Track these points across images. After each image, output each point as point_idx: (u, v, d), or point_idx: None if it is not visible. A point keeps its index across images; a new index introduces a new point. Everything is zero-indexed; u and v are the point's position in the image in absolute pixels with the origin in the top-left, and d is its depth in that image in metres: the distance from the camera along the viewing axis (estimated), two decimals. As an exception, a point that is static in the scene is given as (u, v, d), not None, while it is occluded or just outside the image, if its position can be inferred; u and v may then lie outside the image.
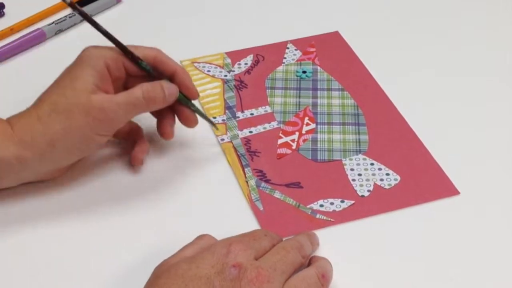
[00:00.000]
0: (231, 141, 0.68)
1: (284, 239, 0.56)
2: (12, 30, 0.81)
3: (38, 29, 0.80)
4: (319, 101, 0.73)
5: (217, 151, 0.67)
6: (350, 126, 0.70)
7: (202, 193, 0.64)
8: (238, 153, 0.67)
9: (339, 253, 0.58)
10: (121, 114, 0.59)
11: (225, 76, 0.76)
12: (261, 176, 0.65)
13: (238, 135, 0.69)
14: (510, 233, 0.61)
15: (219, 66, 0.78)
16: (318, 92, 0.74)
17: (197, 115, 0.65)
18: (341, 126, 0.70)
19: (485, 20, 0.86)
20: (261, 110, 0.72)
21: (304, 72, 0.77)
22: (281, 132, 0.70)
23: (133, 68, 0.61)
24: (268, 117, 0.71)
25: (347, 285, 0.56)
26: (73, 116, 0.58)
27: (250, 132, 0.69)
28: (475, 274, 0.57)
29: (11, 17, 0.83)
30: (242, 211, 0.62)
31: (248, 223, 0.61)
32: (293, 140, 0.69)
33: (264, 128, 0.70)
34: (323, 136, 0.69)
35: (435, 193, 0.64)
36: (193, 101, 0.65)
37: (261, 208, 0.62)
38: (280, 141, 0.69)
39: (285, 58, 0.79)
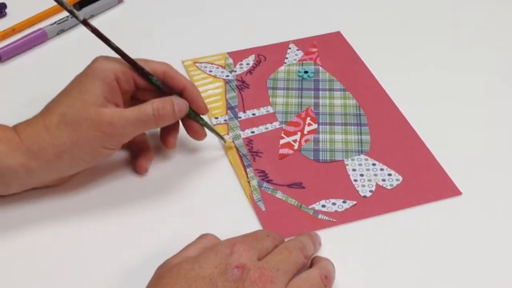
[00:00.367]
0: (233, 142, 0.68)
1: (286, 239, 0.56)
2: (14, 30, 0.82)
3: (40, 29, 0.80)
4: (321, 101, 0.73)
5: (219, 151, 0.67)
6: (352, 127, 0.70)
7: (204, 193, 0.64)
8: (240, 153, 0.67)
9: (341, 253, 0.58)
10: (129, 130, 0.59)
11: (227, 76, 0.76)
12: (263, 176, 0.65)
13: (240, 136, 0.69)
14: (512, 233, 0.61)
15: (221, 66, 0.78)
16: (320, 92, 0.74)
17: (206, 129, 0.65)
18: (343, 127, 0.70)
19: (486, 20, 0.86)
20: (263, 111, 0.72)
21: (306, 72, 0.77)
22: (283, 132, 0.70)
23: (143, 82, 0.61)
24: (270, 117, 0.71)
25: (349, 285, 0.56)
26: (81, 129, 0.58)
27: (252, 132, 0.70)
28: (477, 274, 0.57)
29: (13, 17, 0.84)
30: (244, 212, 0.62)
31: (250, 223, 0.61)
32: (295, 141, 0.69)
33: (266, 128, 0.70)
34: (325, 137, 0.69)
35: (437, 194, 0.64)
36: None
37: (263, 209, 0.62)
38: (282, 142, 0.69)
39: (287, 58, 0.79)
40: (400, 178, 0.65)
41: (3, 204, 0.61)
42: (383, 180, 0.65)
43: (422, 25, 0.85)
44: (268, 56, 0.79)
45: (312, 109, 0.72)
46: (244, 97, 0.74)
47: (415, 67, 0.79)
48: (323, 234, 0.59)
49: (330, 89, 0.75)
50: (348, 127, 0.70)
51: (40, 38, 0.80)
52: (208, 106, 0.72)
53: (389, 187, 0.64)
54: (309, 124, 0.71)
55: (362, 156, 0.67)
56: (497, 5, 0.88)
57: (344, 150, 0.68)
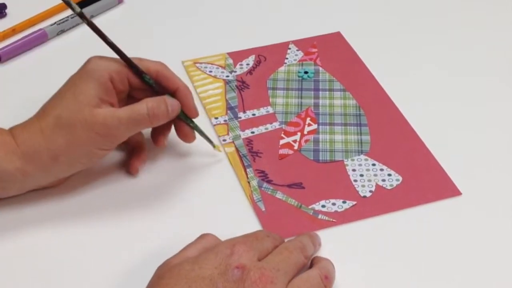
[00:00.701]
0: (233, 142, 0.68)
1: (286, 239, 0.56)
2: (14, 31, 0.82)
3: (40, 29, 0.81)
4: (321, 101, 0.73)
5: (219, 152, 0.67)
6: (352, 127, 0.70)
7: (204, 194, 0.64)
8: (240, 154, 0.67)
9: (341, 253, 0.58)
10: (123, 130, 0.59)
11: (227, 76, 0.76)
12: (263, 176, 0.65)
13: (240, 136, 0.69)
14: (512, 233, 0.61)
15: (221, 66, 0.78)
16: (320, 92, 0.74)
17: (196, 133, 0.65)
18: (343, 127, 0.70)
19: (486, 20, 0.86)
20: (263, 111, 0.72)
21: (306, 72, 0.77)
22: (283, 132, 0.70)
23: (137, 81, 0.61)
24: (270, 118, 0.71)
25: (349, 285, 0.56)
26: (75, 131, 0.58)
27: (252, 132, 0.70)
28: (477, 274, 0.57)
29: (13, 18, 0.84)
30: (244, 212, 0.62)
31: (250, 223, 0.61)
32: (295, 141, 0.69)
33: (266, 128, 0.70)
34: (325, 137, 0.69)
35: (437, 194, 0.64)
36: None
37: (263, 209, 0.62)
38: (282, 142, 0.69)
39: (287, 58, 0.79)
40: (400, 178, 0.65)
41: (1, 206, 0.61)
42: (383, 180, 0.65)
43: (422, 25, 0.85)
44: (268, 57, 0.79)
45: (312, 110, 0.72)
46: (244, 97, 0.74)
47: (415, 67, 0.79)
48: (323, 234, 0.59)
49: (330, 90, 0.75)
50: (348, 127, 0.70)
51: (40, 39, 0.80)
52: (208, 107, 0.72)
53: (389, 187, 0.64)
54: (309, 125, 0.71)
55: (362, 156, 0.67)
56: (497, 5, 0.89)
57: (344, 150, 0.68)
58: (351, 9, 0.88)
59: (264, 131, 0.70)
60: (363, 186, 0.64)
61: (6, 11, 0.85)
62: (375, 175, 0.65)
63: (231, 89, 0.75)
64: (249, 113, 0.72)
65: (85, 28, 0.82)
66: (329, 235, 0.59)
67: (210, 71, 0.77)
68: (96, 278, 0.56)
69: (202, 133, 0.66)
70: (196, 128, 0.65)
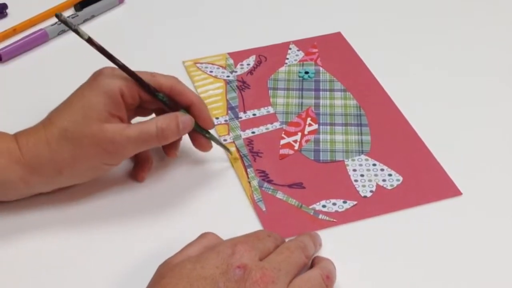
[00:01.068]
0: (233, 142, 0.69)
1: (286, 239, 0.56)
2: (15, 31, 0.82)
3: (41, 29, 0.81)
4: (321, 101, 0.73)
5: (220, 151, 0.67)
6: (353, 127, 0.70)
7: (204, 194, 0.64)
8: (241, 154, 0.67)
9: (341, 253, 0.58)
10: (131, 148, 0.59)
11: (228, 76, 0.76)
12: (264, 176, 0.65)
13: (240, 136, 0.69)
14: (512, 233, 0.61)
15: (222, 66, 0.78)
16: (321, 92, 0.74)
17: (212, 142, 0.65)
18: (344, 127, 0.70)
19: (486, 20, 0.86)
20: (263, 111, 0.72)
21: (306, 72, 0.77)
22: (283, 132, 0.70)
23: (148, 96, 0.60)
24: (271, 118, 0.71)
25: (349, 285, 0.56)
26: (82, 145, 0.57)
27: (253, 132, 0.70)
28: (477, 274, 0.57)
29: (14, 18, 0.84)
30: (244, 212, 0.62)
31: (251, 223, 0.61)
32: (295, 141, 0.69)
33: (267, 128, 0.70)
34: (326, 137, 0.69)
35: (437, 194, 0.64)
36: None
37: (264, 209, 0.62)
38: (282, 142, 0.69)
39: (287, 58, 0.79)
40: (401, 178, 0.65)
41: (2, 210, 0.61)
42: (384, 180, 0.65)
43: (422, 25, 0.85)
44: (268, 57, 0.79)
45: (313, 110, 0.72)
46: (244, 97, 0.74)
47: (416, 67, 0.79)
48: (324, 234, 0.59)
49: (331, 90, 0.75)
50: (349, 127, 0.70)
51: (41, 39, 0.80)
52: (209, 107, 0.72)
53: (389, 188, 0.64)
54: (310, 125, 0.71)
55: (363, 157, 0.67)
56: (498, 5, 0.89)
57: (344, 150, 0.68)
58: (352, 9, 0.88)
59: (264, 131, 0.70)
60: (363, 186, 0.64)
61: (7, 11, 0.85)
62: (376, 175, 0.65)
63: (231, 89, 0.75)
64: (249, 113, 0.72)
65: (85, 29, 0.82)
66: (329, 235, 0.59)
67: (211, 71, 0.77)
68: (96, 276, 0.56)
69: (219, 143, 0.65)
70: (212, 138, 0.64)
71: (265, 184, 0.64)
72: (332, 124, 0.71)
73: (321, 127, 0.70)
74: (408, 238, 0.60)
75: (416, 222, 0.61)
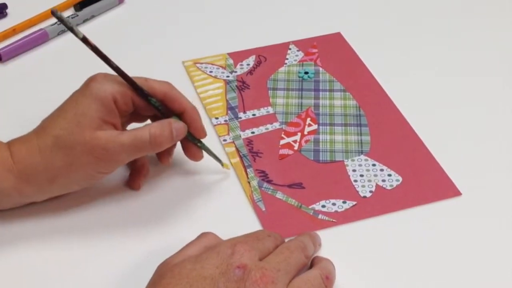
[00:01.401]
0: (233, 142, 0.69)
1: (286, 239, 0.56)
2: (15, 31, 0.82)
3: (41, 29, 0.81)
4: (321, 102, 0.73)
5: (220, 152, 0.67)
6: (352, 127, 0.70)
7: (204, 194, 0.64)
8: (240, 154, 0.67)
9: (341, 253, 0.58)
10: (124, 155, 0.58)
11: (227, 77, 0.76)
12: (263, 176, 0.65)
13: (240, 136, 0.69)
14: (512, 234, 0.61)
15: (221, 67, 0.78)
16: (320, 93, 0.74)
17: (204, 152, 0.64)
18: (343, 127, 0.70)
19: (486, 21, 0.86)
20: (263, 111, 0.72)
21: (306, 73, 0.77)
22: (283, 133, 0.70)
23: (142, 102, 0.59)
24: (270, 118, 0.71)
25: (349, 285, 0.56)
26: (75, 153, 0.56)
27: (252, 132, 0.70)
28: (476, 275, 0.57)
29: (14, 18, 0.84)
30: (244, 212, 0.62)
31: (250, 223, 0.61)
32: (295, 141, 0.69)
33: (266, 128, 0.70)
34: (325, 137, 0.69)
35: (437, 194, 0.64)
36: None
37: (263, 209, 0.62)
38: (282, 142, 0.69)
39: (287, 59, 0.79)
40: (400, 178, 0.65)
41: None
42: (383, 180, 0.65)
43: (422, 26, 0.85)
44: (268, 57, 0.79)
45: (312, 110, 0.72)
46: (244, 97, 0.74)
47: (415, 67, 0.79)
48: (323, 235, 0.59)
49: (330, 90, 0.75)
50: (348, 127, 0.70)
51: (41, 39, 0.80)
52: (208, 107, 0.72)
53: (389, 188, 0.64)
54: (309, 125, 0.71)
55: (362, 157, 0.67)
56: (498, 5, 0.89)
57: (344, 150, 0.68)
58: (351, 10, 0.88)
59: (264, 131, 0.70)
60: (363, 186, 0.64)
61: (7, 11, 0.85)
62: (375, 175, 0.65)
63: (231, 89, 0.75)
64: (249, 113, 0.72)
65: (85, 29, 0.83)
66: (329, 235, 0.59)
67: (211, 71, 0.77)
68: (96, 276, 0.56)
69: (210, 152, 0.64)
70: (203, 147, 0.63)
71: (265, 184, 0.64)
72: (331, 124, 0.71)
73: (320, 127, 0.70)
74: (407, 238, 0.60)
75: (415, 222, 0.62)
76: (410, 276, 0.57)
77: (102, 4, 0.85)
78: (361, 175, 0.65)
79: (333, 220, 0.61)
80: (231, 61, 0.78)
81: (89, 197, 0.62)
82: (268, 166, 0.66)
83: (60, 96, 0.60)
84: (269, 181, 0.65)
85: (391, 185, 0.65)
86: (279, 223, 0.61)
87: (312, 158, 0.67)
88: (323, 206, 0.63)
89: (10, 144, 0.59)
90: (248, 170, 0.66)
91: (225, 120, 0.71)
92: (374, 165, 0.66)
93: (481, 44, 0.82)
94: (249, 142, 0.69)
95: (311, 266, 0.55)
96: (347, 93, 0.75)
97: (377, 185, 0.64)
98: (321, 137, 0.69)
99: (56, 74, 0.77)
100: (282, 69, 0.78)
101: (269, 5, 0.88)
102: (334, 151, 0.68)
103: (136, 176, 0.63)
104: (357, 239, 0.60)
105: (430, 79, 0.77)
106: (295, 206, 0.63)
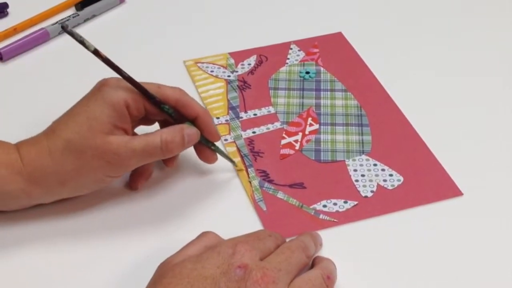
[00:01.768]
0: (234, 142, 0.69)
1: (287, 239, 0.56)
2: (15, 30, 0.82)
3: (41, 28, 0.81)
4: (322, 101, 0.73)
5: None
6: (353, 127, 0.70)
7: (205, 193, 0.64)
8: (242, 154, 0.67)
9: (342, 253, 0.58)
10: (135, 161, 0.58)
11: (229, 76, 0.76)
12: (264, 176, 0.65)
13: (241, 136, 0.69)
14: (513, 234, 0.61)
15: (223, 66, 0.78)
16: (321, 93, 0.74)
17: (218, 154, 0.64)
18: (344, 127, 0.70)
19: (487, 21, 0.86)
20: (264, 111, 0.72)
21: (307, 72, 0.77)
22: (284, 132, 0.70)
23: (154, 108, 0.59)
24: (272, 118, 0.71)
25: (350, 285, 0.56)
26: (85, 157, 0.56)
27: (254, 132, 0.70)
28: (478, 275, 0.57)
29: (15, 17, 0.84)
30: (245, 212, 0.62)
31: (251, 223, 0.61)
32: (296, 141, 0.69)
33: (268, 128, 0.70)
34: (326, 137, 0.69)
35: (438, 194, 0.64)
36: None
37: (264, 209, 0.62)
38: (283, 142, 0.69)
39: (288, 58, 0.79)
40: (401, 178, 0.65)
41: (1, 220, 0.60)
42: (384, 180, 0.65)
43: (423, 26, 0.85)
44: (269, 57, 0.79)
45: (314, 110, 0.72)
46: (245, 97, 0.74)
47: (416, 67, 0.79)
48: (324, 234, 0.59)
49: (332, 90, 0.75)
50: (350, 127, 0.70)
51: (42, 38, 0.80)
52: (210, 106, 0.72)
53: (390, 188, 0.64)
54: (311, 125, 0.71)
55: (364, 157, 0.67)
56: (498, 5, 0.89)
57: (345, 150, 0.68)
58: (353, 10, 0.88)
59: (265, 131, 0.70)
60: (364, 186, 0.64)
61: (8, 10, 0.85)
62: (377, 175, 0.65)
63: (232, 89, 0.75)
64: (250, 113, 0.72)
65: (86, 29, 0.83)
66: (330, 235, 0.59)
67: (212, 71, 0.77)
68: (96, 275, 0.56)
69: (224, 155, 0.65)
70: (217, 150, 0.64)
71: (266, 184, 0.64)
72: (333, 124, 0.71)
73: (322, 127, 0.70)
74: (409, 238, 0.60)
75: (417, 222, 0.61)
76: (412, 276, 0.57)
77: (103, 3, 0.85)
78: (362, 175, 0.65)
79: (334, 220, 0.61)
80: (232, 61, 0.78)
81: (90, 198, 0.62)
82: (269, 166, 0.66)
83: (60, 96, 0.60)
84: (270, 181, 0.65)
85: (392, 185, 0.64)
86: (280, 223, 0.61)
87: (313, 158, 0.67)
88: (324, 206, 0.62)
89: (19, 146, 0.58)
90: (249, 169, 0.66)
91: (226, 120, 0.71)
92: (375, 165, 0.66)
93: (481, 44, 0.82)
94: (250, 141, 0.69)
95: (312, 266, 0.55)
96: (348, 93, 0.74)
97: (378, 185, 0.64)
98: (322, 137, 0.69)
99: (56, 73, 0.77)
100: (283, 69, 0.78)
101: (270, 4, 0.88)
102: (335, 151, 0.68)
103: (137, 177, 0.63)
104: (358, 239, 0.60)
105: (431, 79, 0.77)
106: (296, 206, 0.63)
